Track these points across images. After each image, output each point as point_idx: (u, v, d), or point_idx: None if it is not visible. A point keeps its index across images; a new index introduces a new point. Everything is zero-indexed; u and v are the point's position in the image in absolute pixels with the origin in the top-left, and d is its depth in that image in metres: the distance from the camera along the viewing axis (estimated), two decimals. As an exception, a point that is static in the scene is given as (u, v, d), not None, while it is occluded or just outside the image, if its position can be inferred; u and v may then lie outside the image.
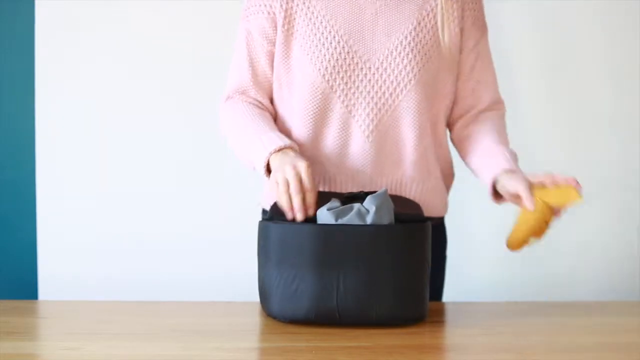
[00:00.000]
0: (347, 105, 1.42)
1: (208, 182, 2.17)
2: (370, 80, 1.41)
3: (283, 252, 1.27)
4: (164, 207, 2.17)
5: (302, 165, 1.29)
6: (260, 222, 1.34)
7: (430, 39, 1.43)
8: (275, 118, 1.51)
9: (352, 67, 1.40)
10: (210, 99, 2.13)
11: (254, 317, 1.34)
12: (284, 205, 1.28)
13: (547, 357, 1.16)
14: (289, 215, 1.27)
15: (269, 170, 1.36)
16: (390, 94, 1.41)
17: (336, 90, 1.41)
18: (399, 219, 1.30)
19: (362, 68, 1.41)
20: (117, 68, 2.14)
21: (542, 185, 1.32)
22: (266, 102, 1.49)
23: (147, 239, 2.17)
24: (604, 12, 2.19)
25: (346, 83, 1.41)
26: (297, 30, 1.42)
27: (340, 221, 1.26)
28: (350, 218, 1.27)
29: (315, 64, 1.40)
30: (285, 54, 1.44)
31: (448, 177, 1.56)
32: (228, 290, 1.90)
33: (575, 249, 2.24)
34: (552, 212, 1.30)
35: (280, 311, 1.28)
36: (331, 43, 1.40)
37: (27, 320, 1.34)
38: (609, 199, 2.23)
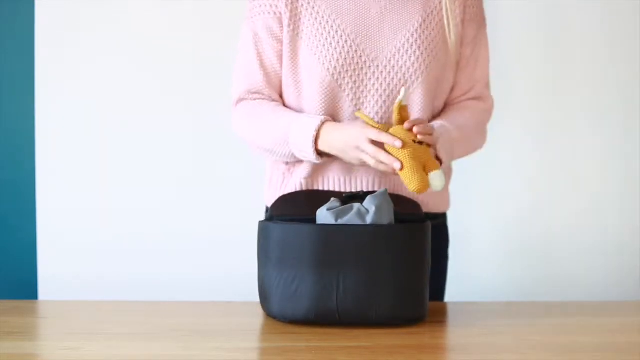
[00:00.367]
0: (355, 104, 1.42)
1: (208, 182, 2.17)
2: (378, 78, 1.41)
3: (283, 252, 1.27)
4: (164, 207, 2.17)
5: (355, 132, 1.31)
6: (260, 222, 1.35)
7: (436, 36, 1.43)
8: None
9: (360, 65, 1.41)
10: (210, 99, 2.14)
11: (254, 317, 1.34)
12: (382, 168, 1.30)
13: (547, 357, 1.16)
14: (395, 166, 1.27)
15: (319, 153, 1.37)
16: (398, 91, 1.42)
17: (345, 89, 1.41)
18: (398, 219, 1.30)
19: (370, 66, 1.41)
20: (117, 68, 2.14)
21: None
22: (280, 100, 1.49)
23: (147, 239, 2.17)
24: (604, 11, 2.19)
25: (354, 82, 1.41)
26: (303, 30, 1.43)
27: (340, 221, 1.26)
28: (350, 218, 1.27)
29: (324, 64, 1.41)
30: (292, 53, 1.44)
31: (447, 171, 1.56)
32: (228, 290, 1.90)
33: (575, 249, 2.24)
34: (408, 134, 1.30)
35: (280, 311, 1.28)
36: (339, 42, 1.41)
37: (27, 320, 1.34)
38: (608, 198, 2.23)
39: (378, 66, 1.41)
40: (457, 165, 1.57)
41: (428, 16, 1.44)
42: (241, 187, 2.11)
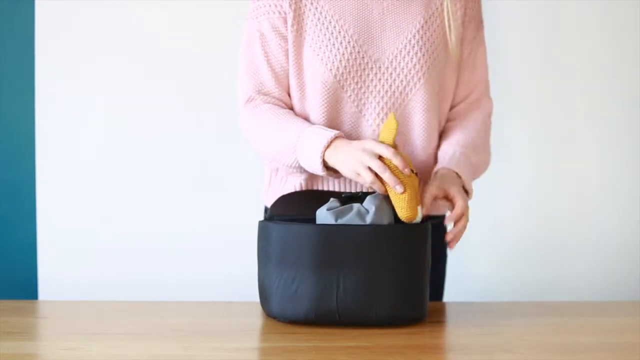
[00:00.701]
0: (357, 105, 1.42)
1: (208, 182, 2.17)
2: (380, 79, 1.41)
3: (283, 252, 1.27)
4: (164, 207, 2.17)
5: (369, 144, 1.28)
6: (260, 222, 1.35)
7: (438, 37, 1.43)
8: None
9: (362, 66, 1.41)
10: (210, 100, 2.14)
11: (254, 317, 1.34)
12: (380, 190, 1.27)
13: (546, 357, 1.16)
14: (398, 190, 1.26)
15: (326, 167, 1.34)
16: (400, 93, 1.42)
17: (347, 90, 1.41)
18: (398, 219, 1.30)
19: (372, 67, 1.41)
20: (117, 68, 2.14)
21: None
22: (288, 100, 1.47)
23: (147, 239, 2.17)
24: (604, 11, 2.19)
25: (357, 82, 1.41)
26: (306, 31, 1.42)
27: (340, 221, 1.27)
28: (350, 218, 1.27)
29: (327, 65, 1.41)
30: (296, 54, 1.43)
31: None
32: (228, 290, 1.90)
33: (575, 249, 2.24)
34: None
35: (280, 311, 1.28)
36: (341, 43, 1.40)
37: (27, 320, 1.34)
38: (608, 198, 2.23)
39: (380, 67, 1.41)
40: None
41: (430, 17, 1.44)
42: (241, 187, 2.11)
